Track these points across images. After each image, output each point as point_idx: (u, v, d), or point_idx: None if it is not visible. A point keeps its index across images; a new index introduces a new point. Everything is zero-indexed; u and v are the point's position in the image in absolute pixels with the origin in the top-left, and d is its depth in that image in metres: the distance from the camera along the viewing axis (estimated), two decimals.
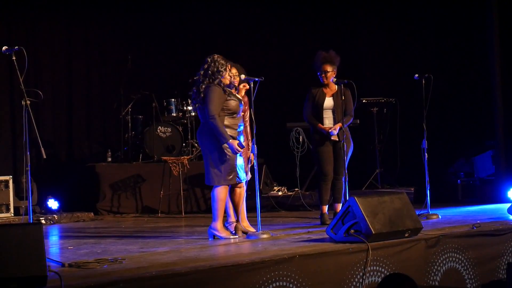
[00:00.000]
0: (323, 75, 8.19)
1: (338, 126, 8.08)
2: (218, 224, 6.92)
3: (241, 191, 7.09)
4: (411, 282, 4.29)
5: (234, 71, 7.20)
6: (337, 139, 8.09)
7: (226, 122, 6.83)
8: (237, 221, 7.09)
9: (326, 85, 8.24)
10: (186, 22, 11.99)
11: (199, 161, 10.60)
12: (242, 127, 7.01)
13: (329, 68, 8.16)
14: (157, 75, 11.69)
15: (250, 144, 7.35)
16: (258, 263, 5.34)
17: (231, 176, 6.85)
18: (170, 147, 10.83)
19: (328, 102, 8.20)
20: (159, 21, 11.89)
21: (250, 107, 7.19)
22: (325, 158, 8.16)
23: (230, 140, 6.75)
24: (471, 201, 10.18)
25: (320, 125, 8.16)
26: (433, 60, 11.42)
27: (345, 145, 7.93)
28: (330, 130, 8.08)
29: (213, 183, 6.90)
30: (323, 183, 8.19)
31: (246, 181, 7.31)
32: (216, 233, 6.93)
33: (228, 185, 6.90)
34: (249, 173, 7.43)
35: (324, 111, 8.20)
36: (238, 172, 6.91)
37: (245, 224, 7.24)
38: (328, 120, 8.19)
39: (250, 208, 7.55)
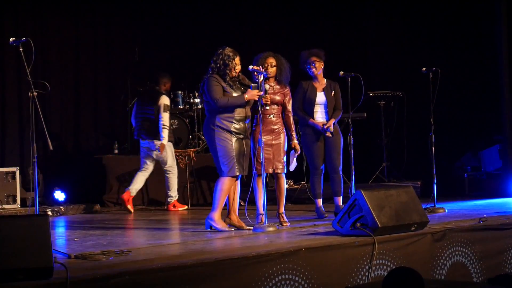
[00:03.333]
0: (311, 65, 8.12)
1: (332, 122, 8.07)
2: (216, 214, 6.91)
3: (235, 185, 7.06)
4: (417, 276, 4.28)
5: (271, 60, 7.34)
6: (331, 136, 8.09)
7: (226, 115, 6.84)
8: (229, 213, 7.10)
9: (316, 79, 8.19)
10: (194, 14, 11.97)
11: (205, 153, 10.59)
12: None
13: (316, 59, 8.12)
14: (164, 67, 11.67)
15: (294, 134, 7.48)
16: (264, 256, 5.33)
17: (230, 168, 6.84)
18: (176, 140, 10.81)
19: (320, 97, 8.15)
20: (167, 13, 11.88)
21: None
22: (315, 152, 8.14)
23: (245, 96, 6.82)
24: (477, 195, 10.17)
25: (312, 119, 8.13)
26: (441, 54, 11.37)
27: (338, 138, 8.01)
28: (326, 127, 8.04)
29: (221, 174, 6.93)
30: (315, 177, 8.21)
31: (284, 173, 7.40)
32: (213, 223, 6.92)
33: (234, 177, 6.91)
34: (294, 161, 7.49)
35: (315, 105, 8.15)
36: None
37: (233, 217, 7.14)
38: (320, 115, 8.15)
39: None
